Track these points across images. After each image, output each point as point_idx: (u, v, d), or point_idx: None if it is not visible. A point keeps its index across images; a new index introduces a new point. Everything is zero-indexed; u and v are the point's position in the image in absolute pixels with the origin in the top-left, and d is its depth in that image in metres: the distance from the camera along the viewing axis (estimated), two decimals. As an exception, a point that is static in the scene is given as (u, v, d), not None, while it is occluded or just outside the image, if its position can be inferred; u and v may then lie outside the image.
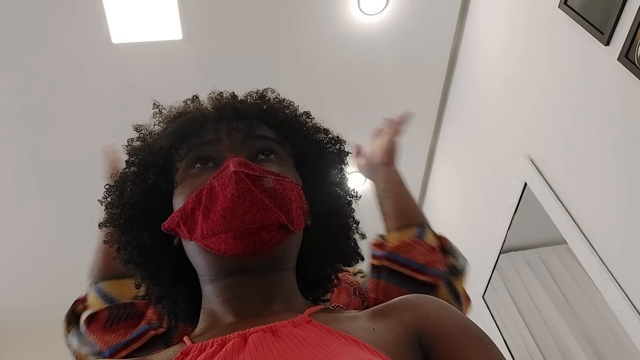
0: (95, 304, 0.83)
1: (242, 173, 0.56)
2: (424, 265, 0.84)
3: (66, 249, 2.86)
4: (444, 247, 0.91)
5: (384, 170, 1.04)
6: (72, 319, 0.85)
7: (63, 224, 2.76)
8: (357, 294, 0.90)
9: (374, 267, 0.89)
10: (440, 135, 2.89)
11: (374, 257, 0.89)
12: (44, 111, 2.35)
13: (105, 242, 0.69)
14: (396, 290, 0.84)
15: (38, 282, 3.07)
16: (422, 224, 0.92)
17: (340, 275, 0.90)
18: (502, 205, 2.08)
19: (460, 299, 0.87)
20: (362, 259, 0.75)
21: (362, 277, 0.98)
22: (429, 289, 0.83)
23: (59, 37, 2.13)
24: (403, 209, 0.95)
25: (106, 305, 0.82)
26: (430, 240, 0.90)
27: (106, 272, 0.84)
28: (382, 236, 0.94)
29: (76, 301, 0.88)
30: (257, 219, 0.55)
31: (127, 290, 0.83)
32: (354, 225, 0.73)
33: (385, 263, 0.86)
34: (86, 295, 0.87)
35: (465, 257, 0.94)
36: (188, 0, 2.14)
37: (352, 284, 0.92)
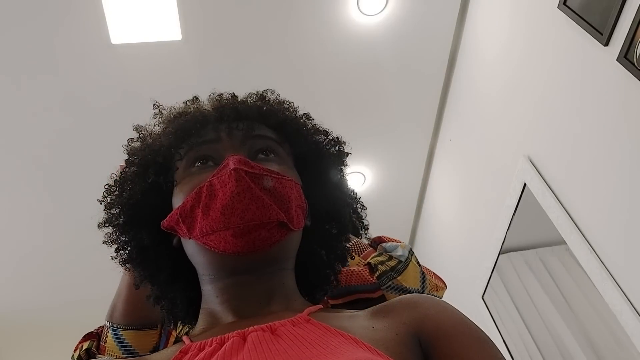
0: (114, 350, 0.81)
1: (242, 171, 0.56)
2: (360, 285, 0.82)
3: (65, 250, 2.86)
4: (371, 265, 0.86)
5: None
6: (86, 357, 0.83)
7: (62, 224, 2.76)
8: None
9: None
10: (439, 135, 2.89)
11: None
12: (41, 111, 2.34)
13: (134, 285, 0.68)
14: None
15: (37, 284, 3.07)
16: None
17: None
18: (502, 205, 2.08)
19: (410, 291, 0.84)
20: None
21: None
22: (379, 302, 0.81)
23: (58, 37, 2.13)
24: None
25: (124, 356, 0.81)
26: (355, 261, 0.88)
27: (127, 320, 0.81)
28: None
29: (87, 335, 0.86)
30: (257, 217, 0.55)
31: (147, 341, 0.82)
32: (363, 230, 0.74)
33: (330, 302, 0.84)
34: (102, 332, 0.85)
35: (403, 244, 0.90)
36: (187, 1, 2.14)
37: None
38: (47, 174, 2.57)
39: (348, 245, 0.87)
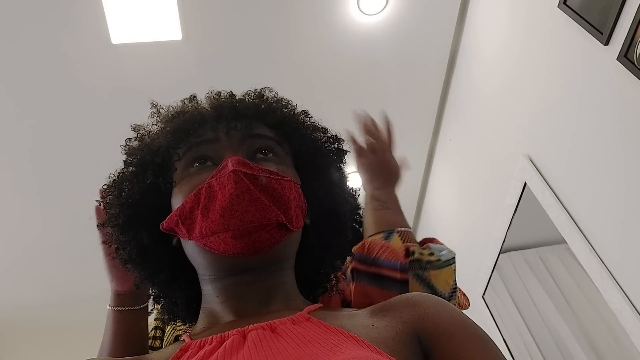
0: None
1: (241, 172, 0.56)
2: (389, 260, 0.80)
3: (65, 249, 2.87)
4: (409, 249, 0.83)
5: (379, 191, 0.95)
6: None
7: (62, 224, 2.76)
8: (337, 290, 0.88)
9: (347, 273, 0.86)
10: (439, 135, 2.89)
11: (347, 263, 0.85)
12: (43, 111, 2.35)
13: (134, 285, 0.69)
14: (365, 288, 0.80)
15: (37, 282, 3.07)
16: (390, 231, 0.86)
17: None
18: (502, 205, 2.08)
19: (437, 292, 0.80)
20: None
21: None
22: (400, 285, 0.78)
23: (58, 37, 2.14)
24: (378, 223, 0.89)
25: None
26: (396, 242, 0.85)
27: None
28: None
29: None
30: (256, 219, 0.55)
31: None
32: (357, 223, 0.73)
33: (354, 264, 0.83)
34: None
35: (451, 250, 0.87)
36: (188, 0, 2.14)
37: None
38: (47, 173, 2.57)
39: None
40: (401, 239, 0.84)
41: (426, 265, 0.80)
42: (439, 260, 0.82)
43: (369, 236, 0.86)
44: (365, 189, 0.95)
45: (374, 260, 0.81)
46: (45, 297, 3.17)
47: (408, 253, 0.81)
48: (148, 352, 0.85)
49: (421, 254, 0.82)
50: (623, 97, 1.43)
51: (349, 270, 0.85)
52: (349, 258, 0.85)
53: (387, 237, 0.84)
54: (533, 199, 1.83)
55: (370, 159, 0.98)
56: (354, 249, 0.84)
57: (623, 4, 1.38)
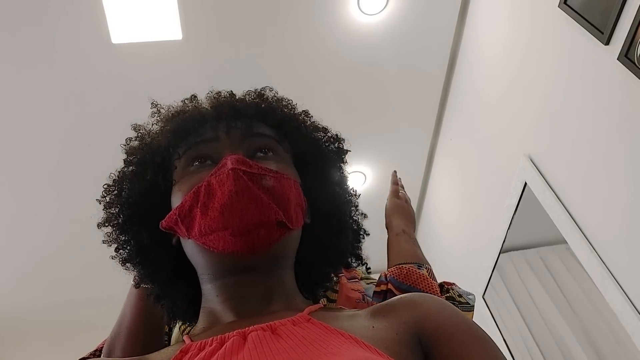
0: None
1: (240, 170, 0.56)
2: (424, 291, 0.87)
3: (66, 250, 2.87)
4: (443, 286, 0.92)
5: (409, 229, 1.08)
6: None
7: (64, 223, 2.76)
8: (365, 300, 0.91)
9: (376, 293, 0.91)
10: (440, 135, 2.89)
11: (379, 284, 0.92)
12: (43, 111, 2.35)
13: (134, 285, 0.69)
14: None
15: (37, 284, 3.07)
16: (420, 264, 0.94)
17: (349, 281, 0.91)
18: (502, 205, 2.08)
19: None
20: (361, 259, 0.75)
21: (367, 284, 0.98)
22: None
23: (59, 37, 2.13)
24: (409, 253, 0.98)
25: None
26: (426, 274, 0.93)
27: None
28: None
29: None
30: (256, 216, 0.55)
31: None
32: (356, 218, 0.73)
33: (391, 287, 0.88)
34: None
35: (472, 294, 0.96)
36: (188, 0, 2.14)
37: (360, 291, 0.93)
38: (47, 173, 2.57)
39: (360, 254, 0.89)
40: (428, 274, 0.93)
41: (458, 306, 0.88)
42: (467, 303, 0.90)
43: (403, 263, 0.94)
44: (391, 222, 1.08)
45: (409, 288, 0.87)
46: (45, 298, 3.17)
47: (443, 290, 0.90)
48: (164, 334, 0.86)
49: (452, 292, 0.90)
50: (623, 96, 1.42)
51: (377, 288, 0.91)
52: (379, 277, 0.90)
53: (418, 268, 0.92)
54: (534, 199, 1.83)
55: (402, 201, 1.15)
56: (390, 270, 0.91)
57: (624, 3, 1.38)
